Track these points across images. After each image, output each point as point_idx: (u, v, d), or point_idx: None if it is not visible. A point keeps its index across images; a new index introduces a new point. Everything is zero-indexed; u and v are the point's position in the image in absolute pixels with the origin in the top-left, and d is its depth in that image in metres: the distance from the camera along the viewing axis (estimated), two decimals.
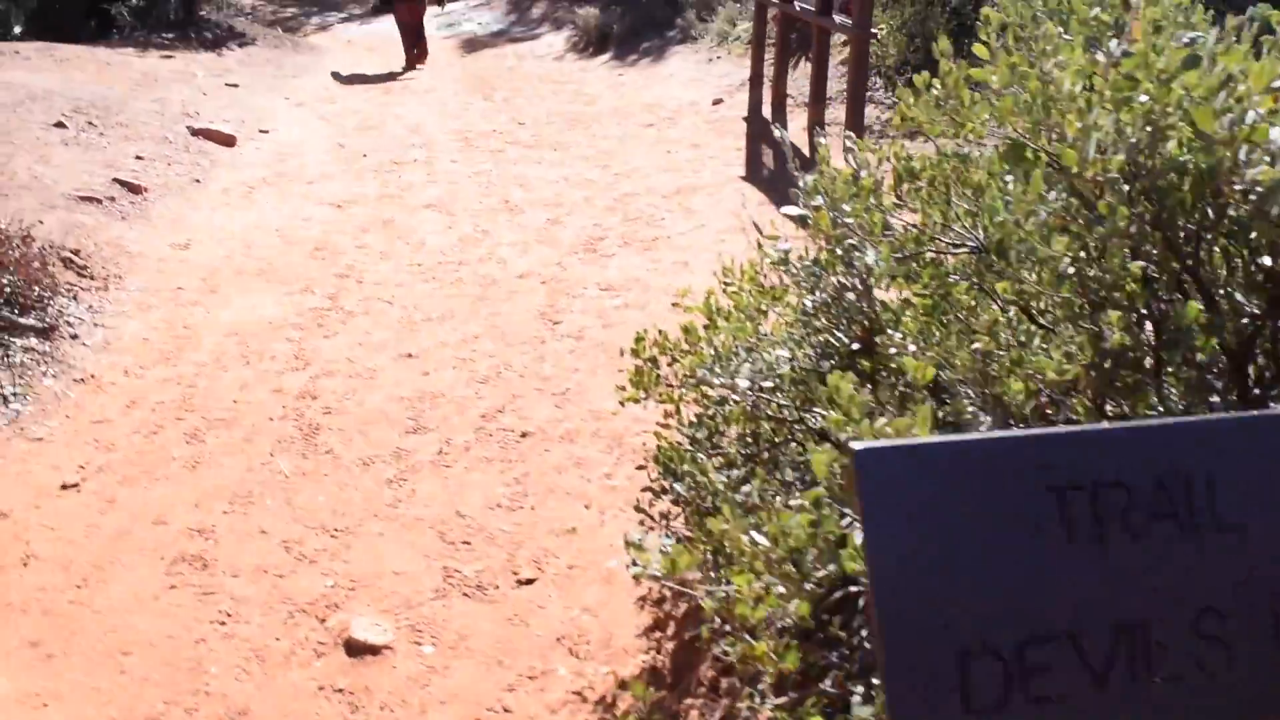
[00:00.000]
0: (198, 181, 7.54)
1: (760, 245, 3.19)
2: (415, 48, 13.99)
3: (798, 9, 9.35)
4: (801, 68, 10.43)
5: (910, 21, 9.00)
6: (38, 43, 11.19)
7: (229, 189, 7.53)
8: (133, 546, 3.47)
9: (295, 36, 16.11)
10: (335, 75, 13.07)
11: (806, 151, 8.66)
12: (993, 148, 2.64)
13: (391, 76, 13.24)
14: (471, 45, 15.90)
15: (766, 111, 9.88)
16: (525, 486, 3.82)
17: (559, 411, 4.35)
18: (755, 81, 10.59)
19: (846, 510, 1.85)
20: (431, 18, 17.78)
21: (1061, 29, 2.37)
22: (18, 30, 13.35)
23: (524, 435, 4.16)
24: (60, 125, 7.89)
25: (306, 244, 6.53)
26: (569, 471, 3.91)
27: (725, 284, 3.39)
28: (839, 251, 2.81)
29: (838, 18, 8.52)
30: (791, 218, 2.81)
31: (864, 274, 2.79)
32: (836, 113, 9.10)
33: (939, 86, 2.75)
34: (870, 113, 8.78)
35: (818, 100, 9.00)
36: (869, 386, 2.71)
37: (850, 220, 2.80)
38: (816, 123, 8.98)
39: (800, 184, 2.88)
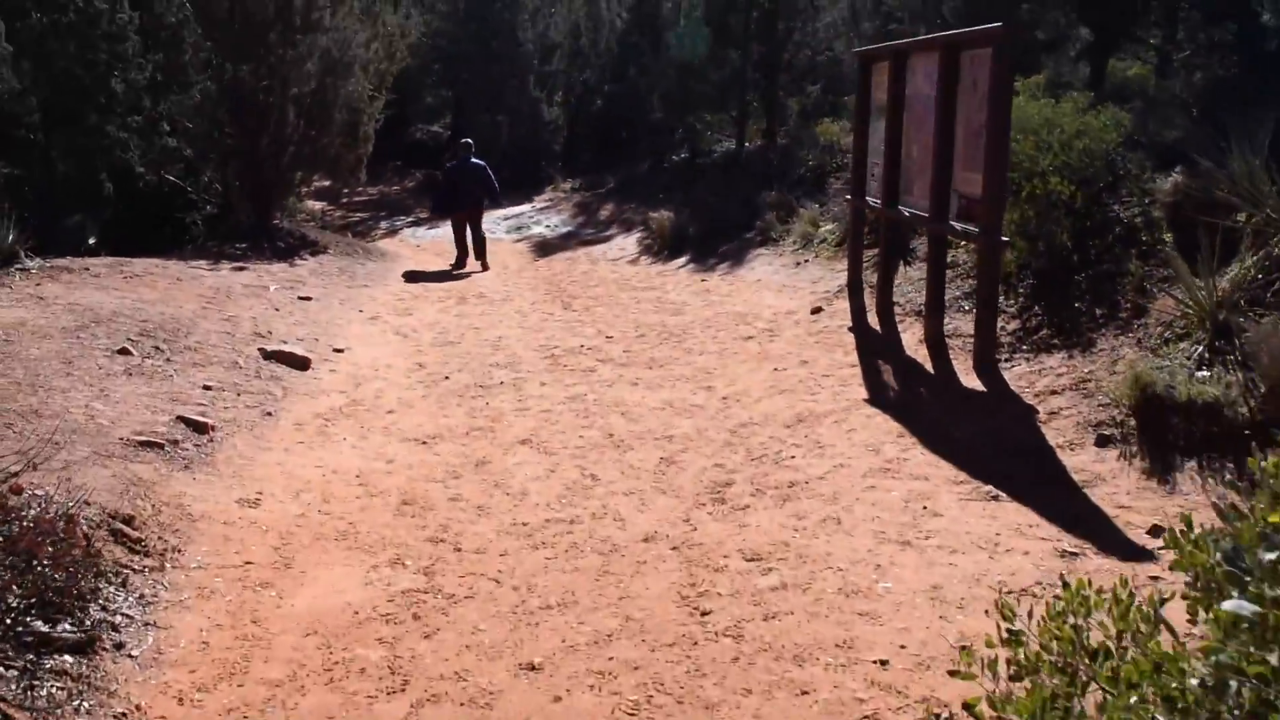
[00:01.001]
0: (269, 415, 6.63)
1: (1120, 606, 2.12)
2: (478, 251, 13.67)
3: (907, 214, 8.52)
4: (902, 272, 9.57)
5: (1029, 223, 8.13)
6: (109, 258, 10.59)
7: (303, 423, 6.60)
8: None
9: (365, 242, 15.66)
10: (408, 281, 12.43)
11: (930, 368, 7.67)
12: None
13: (462, 278, 12.59)
14: (543, 248, 15.35)
15: (872, 320, 8.96)
16: None
17: None
18: (854, 288, 9.72)
19: None
20: (500, 221, 17.39)
21: None
22: (91, 241, 12.88)
23: None
24: (124, 352, 7.08)
25: (391, 495, 5.53)
26: None
27: (1010, 633, 2.27)
28: None
29: (958, 224, 7.66)
30: (1243, 617, 1.73)
31: None
32: (955, 323, 8.16)
33: None
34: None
35: (935, 311, 8.06)
36: None
37: None
38: (937, 336, 8.02)
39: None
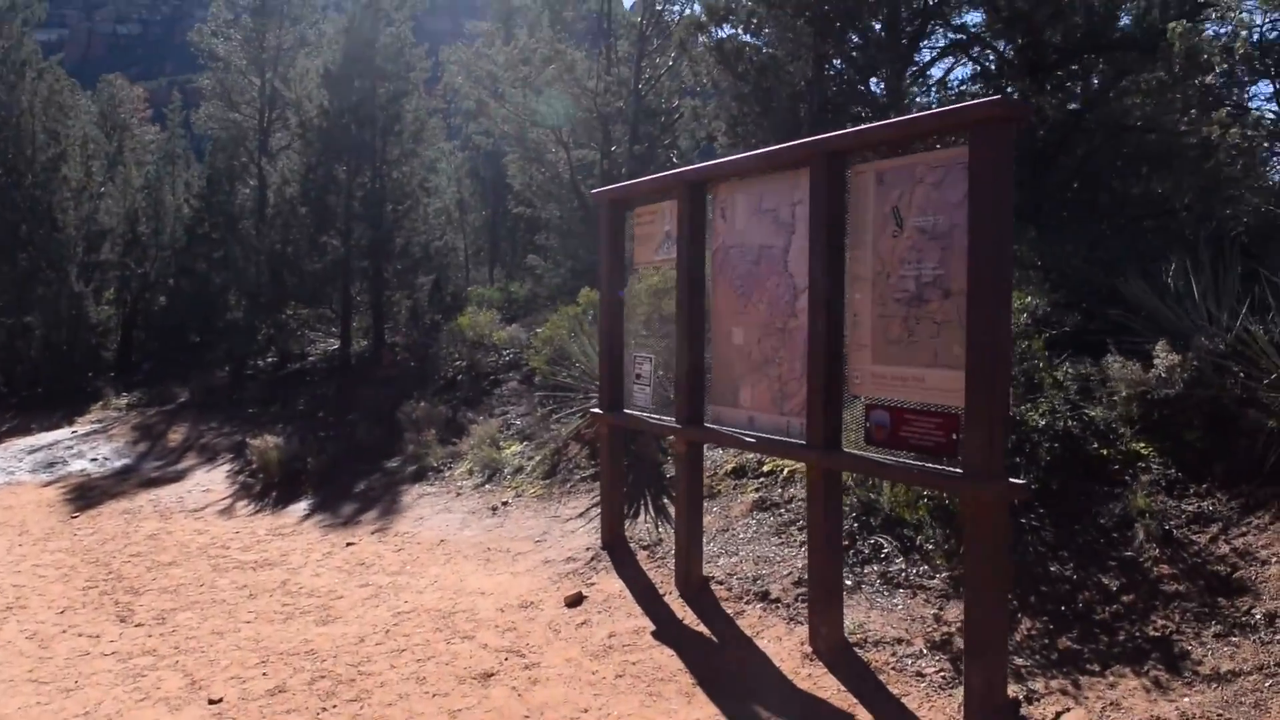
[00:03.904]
0: None
1: None
2: None
3: (751, 439, 4.69)
4: (656, 523, 5.66)
5: None
6: None
7: None
8: None
9: None
10: None
11: (857, 712, 3.76)
12: None
13: None
14: (85, 495, 9.68)
15: (681, 612, 4.92)
16: None
17: None
18: (618, 552, 5.68)
19: None
20: (23, 455, 11.51)
21: None
22: None
23: None
24: None
25: None
26: None
27: None
28: None
29: (882, 455, 3.96)
30: None
31: None
32: (856, 615, 4.39)
33: None
34: (903, 609, 4.16)
35: (828, 599, 4.23)
36: None
37: None
38: (839, 644, 4.18)
39: None
